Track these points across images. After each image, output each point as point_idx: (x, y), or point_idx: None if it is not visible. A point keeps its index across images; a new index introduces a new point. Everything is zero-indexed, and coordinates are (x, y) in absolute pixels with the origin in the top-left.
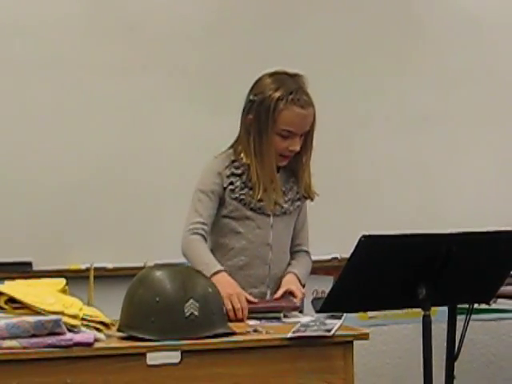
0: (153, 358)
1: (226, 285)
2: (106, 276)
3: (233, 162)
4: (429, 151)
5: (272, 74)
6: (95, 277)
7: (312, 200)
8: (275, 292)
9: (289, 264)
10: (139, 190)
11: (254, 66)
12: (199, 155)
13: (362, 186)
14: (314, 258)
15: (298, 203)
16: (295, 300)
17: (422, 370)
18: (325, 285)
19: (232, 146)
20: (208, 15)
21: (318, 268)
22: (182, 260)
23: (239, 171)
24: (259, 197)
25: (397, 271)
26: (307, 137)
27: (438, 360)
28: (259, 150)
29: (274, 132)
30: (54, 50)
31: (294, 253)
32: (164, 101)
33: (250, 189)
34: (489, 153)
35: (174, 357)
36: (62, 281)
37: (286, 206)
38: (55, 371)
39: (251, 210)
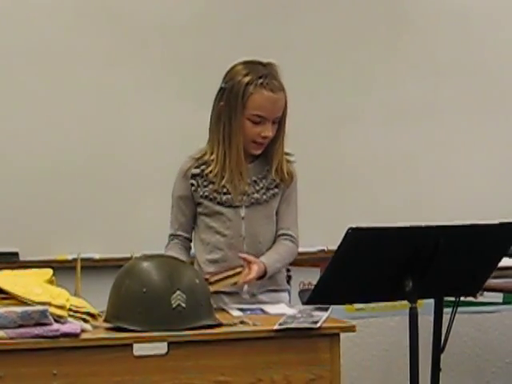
0: (139, 349)
1: None
2: (93, 267)
3: (197, 159)
4: (417, 144)
5: (244, 62)
6: (82, 267)
7: (287, 186)
8: (253, 284)
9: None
10: (126, 180)
11: (240, 57)
12: (185, 147)
13: (349, 177)
14: (301, 249)
15: (275, 191)
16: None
17: (408, 362)
18: (312, 276)
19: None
20: (196, 7)
21: (305, 260)
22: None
23: (198, 170)
24: (221, 185)
25: (384, 263)
26: (280, 123)
27: (425, 352)
28: (228, 137)
29: (244, 117)
30: (41, 39)
31: (277, 238)
32: (151, 92)
33: (214, 183)
34: (477, 146)
35: (161, 348)
36: (49, 271)
37: (256, 195)
38: (42, 361)
39: (219, 204)
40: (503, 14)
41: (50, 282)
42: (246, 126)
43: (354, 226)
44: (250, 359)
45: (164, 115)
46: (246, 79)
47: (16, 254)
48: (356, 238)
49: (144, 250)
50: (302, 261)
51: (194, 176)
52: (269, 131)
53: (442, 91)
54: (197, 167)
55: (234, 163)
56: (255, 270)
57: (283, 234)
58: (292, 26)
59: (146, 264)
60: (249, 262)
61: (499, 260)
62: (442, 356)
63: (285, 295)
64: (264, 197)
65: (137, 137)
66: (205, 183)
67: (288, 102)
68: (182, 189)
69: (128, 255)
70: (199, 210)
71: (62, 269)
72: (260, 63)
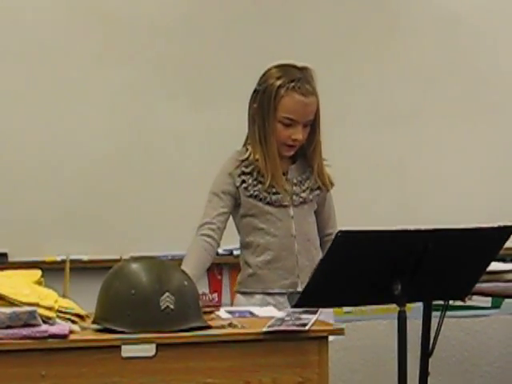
0: (127, 351)
1: None
2: (81, 268)
3: (242, 161)
4: (405, 147)
5: (278, 65)
6: (71, 269)
7: (328, 190)
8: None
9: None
10: (116, 182)
11: (234, 59)
12: (176, 148)
13: (337, 180)
14: None
15: (317, 192)
16: None
17: (396, 365)
18: None
19: (245, 143)
20: (189, 7)
21: None
22: (159, 253)
23: (249, 169)
24: (267, 185)
25: (373, 267)
26: (312, 127)
27: (413, 356)
28: (264, 138)
29: (275, 120)
30: (31, 39)
31: (326, 242)
32: (143, 93)
33: (263, 184)
34: (466, 149)
35: (149, 350)
36: (38, 272)
37: (303, 195)
38: (30, 363)
39: (268, 204)
40: (492, 18)
41: (39, 282)
42: (278, 128)
43: (343, 229)
44: (239, 362)
45: (155, 115)
46: (278, 82)
47: (5, 255)
48: (345, 241)
49: (133, 252)
50: None
51: (244, 174)
52: (299, 134)
53: (430, 95)
54: (246, 167)
55: (272, 164)
56: None
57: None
58: (281, 28)
59: (134, 266)
60: None
61: (488, 264)
62: (431, 360)
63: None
64: (310, 196)
65: (126, 138)
66: (254, 182)
67: None
68: (227, 184)
69: (117, 257)
70: (243, 211)
71: (50, 270)
72: (294, 66)
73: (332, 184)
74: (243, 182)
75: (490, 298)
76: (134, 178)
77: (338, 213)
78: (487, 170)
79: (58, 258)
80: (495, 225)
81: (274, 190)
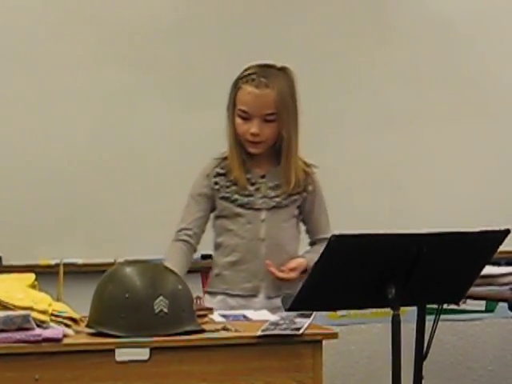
0: (121, 355)
1: None
2: (75, 272)
3: (222, 160)
4: (399, 151)
5: (256, 64)
6: (65, 272)
7: (306, 193)
8: (270, 287)
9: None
10: (109, 185)
11: (228, 61)
12: (171, 151)
13: (332, 184)
14: None
15: (296, 197)
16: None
17: (390, 369)
18: (295, 283)
19: None
20: (183, 9)
21: None
22: (153, 256)
23: (223, 170)
24: (243, 187)
25: (367, 270)
26: (279, 125)
27: (407, 360)
28: (227, 134)
29: (235, 114)
30: (25, 43)
31: (316, 241)
32: (137, 96)
33: (236, 185)
34: (460, 153)
35: (143, 353)
36: (32, 276)
37: (278, 199)
38: (24, 366)
39: (239, 206)
40: (487, 21)
41: (33, 286)
42: (237, 122)
43: (336, 232)
44: (233, 365)
45: (151, 118)
46: (239, 75)
47: None
48: (339, 244)
49: (127, 256)
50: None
51: (218, 175)
52: (255, 128)
53: (425, 99)
54: (222, 168)
55: (232, 160)
56: (295, 269)
57: (324, 238)
58: (276, 30)
59: (128, 269)
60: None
61: (482, 268)
62: (425, 363)
63: None
64: (285, 201)
65: (122, 140)
66: (227, 183)
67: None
68: (204, 186)
69: (111, 260)
70: (217, 212)
71: (44, 274)
72: (272, 66)
73: (313, 184)
74: (216, 183)
75: (484, 302)
76: (128, 182)
77: (331, 217)
78: (482, 174)
79: (52, 262)
80: (489, 228)
81: (246, 193)
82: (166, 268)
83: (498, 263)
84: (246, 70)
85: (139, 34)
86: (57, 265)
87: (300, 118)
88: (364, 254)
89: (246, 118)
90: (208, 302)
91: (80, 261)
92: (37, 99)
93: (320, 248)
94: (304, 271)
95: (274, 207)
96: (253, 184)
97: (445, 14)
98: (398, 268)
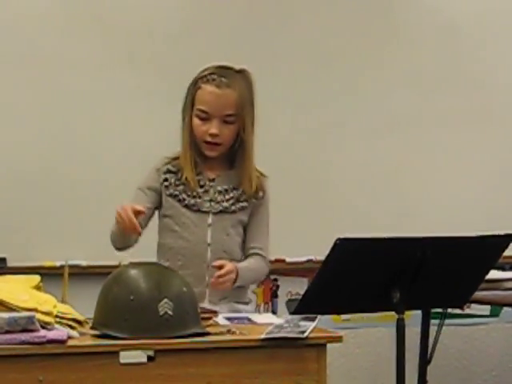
0: (126, 357)
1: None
2: (80, 273)
3: (173, 159)
4: (404, 154)
5: (215, 65)
6: (69, 274)
7: (257, 201)
8: (214, 293)
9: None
10: (115, 187)
11: (233, 64)
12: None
13: (337, 187)
14: (288, 259)
15: (244, 204)
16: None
17: (394, 373)
18: (299, 287)
19: None
20: (187, 13)
21: (293, 270)
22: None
23: (175, 168)
24: (191, 188)
25: (371, 274)
26: (239, 131)
27: (411, 364)
28: (182, 135)
29: (193, 114)
30: (32, 46)
31: (248, 256)
32: (141, 99)
33: (185, 185)
34: (464, 156)
35: (147, 356)
36: (37, 277)
37: (225, 204)
38: (28, 368)
39: (186, 207)
40: (491, 26)
41: (38, 288)
42: (195, 123)
43: (342, 236)
44: (237, 368)
45: (153, 121)
46: (197, 76)
47: (3, 260)
48: (344, 248)
49: (132, 258)
50: (290, 271)
51: (168, 172)
52: (214, 128)
53: (430, 102)
54: (173, 166)
55: (184, 161)
56: (228, 270)
57: (257, 254)
58: (281, 35)
59: (133, 272)
60: (219, 267)
61: (487, 272)
62: (429, 368)
63: (246, 307)
64: (233, 207)
65: (126, 143)
66: (177, 182)
67: (275, 112)
68: (153, 180)
69: (115, 263)
70: (162, 210)
71: (49, 275)
72: (230, 68)
73: (263, 195)
74: (166, 179)
75: (488, 307)
76: (133, 183)
77: (337, 219)
78: (487, 178)
79: (57, 264)
80: (494, 233)
81: (194, 194)
82: (171, 270)
83: (502, 268)
84: (204, 70)
85: (145, 38)
86: (62, 266)
87: (256, 123)
88: (369, 257)
89: (205, 118)
90: None
91: (85, 262)
92: (41, 102)
93: (255, 263)
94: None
95: (220, 211)
96: (202, 186)
97: (451, 18)
98: (402, 272)
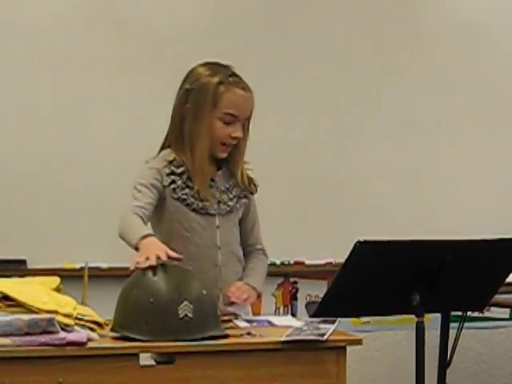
0: (146, 359)
1: (151, 246)
2: (100, 276)
3: (170, 162)
4: (425, 157)
5: (204, 64)
6: (89, 276)
7: (252, 194)
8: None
9: (246, 267)
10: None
11: (249, 69)
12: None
13: (357, 190)
14: (308, 262)
15: (244, 200)
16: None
17: (414, 376)
18: (319, 289)
19: (162, 147)
20: (205, 17)
21: (313, 272)
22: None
23: (179, 170)
24: (196, 189)
25: (391, 277)
26: (244, 127)
27: (431, 367)
28: (194, 139)
29: (214, 118)
30: (51, 48)
31: (249, 253)
32: (159, 101)
33: (191, 189)
34: (484, 160)
35: (167, 358)
36: (57, 279)
37: (231, 203)
38: (48, 370)
39: (194, 211)
40: (511, 29)
41: (58, 290)
42: (217, 126)
43: (361, 239)
44: (256, 371)
45: None
46: (216, 79)
47: (24, 262)
48: (364, 251)
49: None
50: (310, 273)
51: (174, 174)
52: (240, 131)
53: (451, 105)
54: (176, 167)
55: (200, 167)
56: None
57: (259, 249)
58: (300, 39)
59: (153, 274)
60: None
61: (507, 275)
62: (448, 371)
63: (247, 308)
64: (237, 205)
65: (145, 146)
66: (183, 185)
67: (295, 115)
68: (155, 179)
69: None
70: (167, 214)
71: (69, 277)
72: (221, 64)
73: (256, 187)
74: (173, 182)
75: (508, 310)
76: None
77: (357, 222)
78: (507, 181)
79: (77, 266)
80: None
81: (201, 197)
82: (191, 273)
83: None
84: (217, 71)
85: (165, 42)
86: (82, 268)
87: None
88: (388, 260)
89: (231, 121)
90: None
91: (105, 265)
92: (63, 104)
93: (259, 266)
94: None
95: (227, 212)
96: (205, 188)
97: (472, 21)
98: (422, 275)
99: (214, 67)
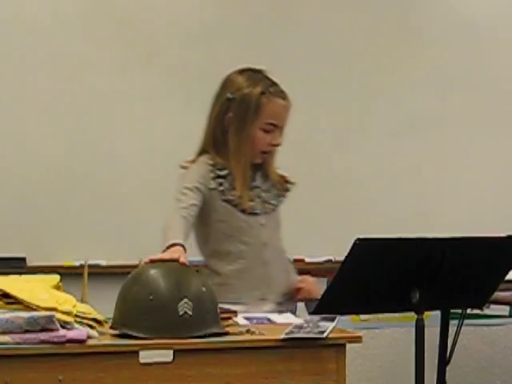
0: (145, 356)
1: (174, 253)
2: (99, 273)
3: (213, 165)
4: (424, 156)
5: (241, 72)
6: (89, 274)
7: (288, 191)
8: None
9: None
10: (134, 187)
11: (251, 65)
12: (193, 154)
13: (356, 189)
14: (308, 260)
15: (282, 199)
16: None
17: (413, 373)
18: (319, 287)
19: (200, 153)
20: (206, 15)
21: (313, 270)
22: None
23: (223, 173)
24: (238, 195)
25: (391, 274)
26: (281, 132)
27: (430, 364)
28: (238, 147)
29: (256, 127)
30: (51, 47)
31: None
32: (160, 100)
33: (235, 189)
34: (484, 157)
35: (167, 356)
36: (56, 277)
37: (273, 202)
38: (47, 367)
39: (242, 211)
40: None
41: (57, 287)
42: (258, 136)
43: (361, 236)
44: (256, 368)
45: (172, 124)
46: (258, 89)
47: (23, 260)
48: (363, 248)
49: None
50: (309, 271)
51: (219, 177)
52: (279, 139)
53: (449, 104)
54: (220, 170)
55: (241, 172)
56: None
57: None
58: (300, 37)
59: (153, 271)
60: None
61: (506, 273)
62: (448, 368)
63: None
64: (278, 203)
65: (144, 144)
66: (229, 187)
67: (294, 113)
68: (200, 183)
69: (135, 262)
70: (215, 216)
71: (68, 275)
72: (255, 70)
73: (291, 183)
74: (220, 184)
75: (508, 307)
76: (151, 184)
77: (356, 220)
78: (507, 179)
79: (77, 263)
80: None
81: (238, 194)
82: (191, 270)
83: None
84: (257, 81)
85: (161, 41)
86: (81, 266)
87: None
88: (388, 257)
89: (271, 130)
90: None
91: (104, 262)
92: (62, 104)
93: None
94: None
95: (271, 211)
96: (251, 189)
97: (472, 18)
98: (422, 272)
99: (253, 76)
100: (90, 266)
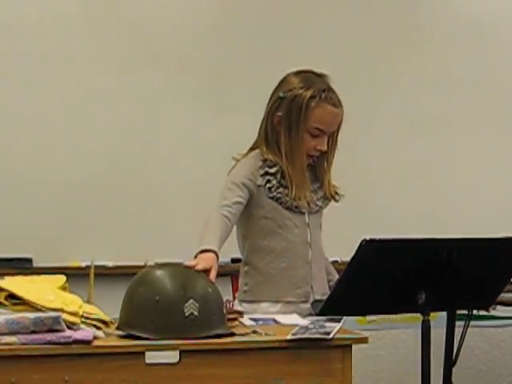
0: (151, 357)
1: (203, 259)
2: (106, 274)
3: (264, 161)
4: (431, 156)
5: (298, 73)
6: (95, 275)
7: (336, 201)
8: (319, 292)
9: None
10: (141, 188)
11: (257, 66)
12: (201, 155)
13: (363, 189)
14: None
15: (327, 202)
16: None
17: (420, 375)
18: None
19: (253, 147)
20: (212, 14)
21: None
22: (183, 259)
23: (273, 170)
24: (293, 195)
25: (397, 275)
26: (332, 138)
27: (436, 366)
28: (290, 148)
29: (304, 130)
30: (58, 48)
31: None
32: (167, 100)
33: (285, 188)
34: (491, 158)
35: (173, 356)
36: (63, 278)
37: (319, 203)
38: (54, 368)
39: (287, 209)
40: None
41: (63, 288)
42: (304, 138)
43: (367, 237)
44: (262, 369)
45: (179, 123)
46: (309, 93)
47: (30, 260)
48: (370, 249)
49: (157, 259)
50: None
51: (268, 174)
52: (324, 145)
53: (455, 103)
54: (270, 167)
55: (297, 173)
56: None
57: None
58: (308, 36)
59: (159, 272)
60: None
61: None
62: (454, 369)
63: None
64: (323, 205)
65: (152, 145)
66: (277, 184)
67: None
68: (248, 179)
69: (141, 263)
70: (261, 212)
71: (75, 276)
72: (314, 73)
73: (340, 195)
74: (268, 181)
75: None
76: (159, 184)
77: (362, 220)
78: None
79: (83, 264)
80: None
81: (293, 195)
82: (196, 271)
83: None
84: (310, 84)
85: (169, 40)
86: (87, 267)
87: None
88: (394, 259)
89: (317, 135)
90: (250, 311)
91: (110, 263)
92: (68, 105)
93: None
94: None
95: (316, 211)
96: (298, 188)
97: (479, 19)
98: (428, 273)
99: (309, 78)
100: (96, 267)
